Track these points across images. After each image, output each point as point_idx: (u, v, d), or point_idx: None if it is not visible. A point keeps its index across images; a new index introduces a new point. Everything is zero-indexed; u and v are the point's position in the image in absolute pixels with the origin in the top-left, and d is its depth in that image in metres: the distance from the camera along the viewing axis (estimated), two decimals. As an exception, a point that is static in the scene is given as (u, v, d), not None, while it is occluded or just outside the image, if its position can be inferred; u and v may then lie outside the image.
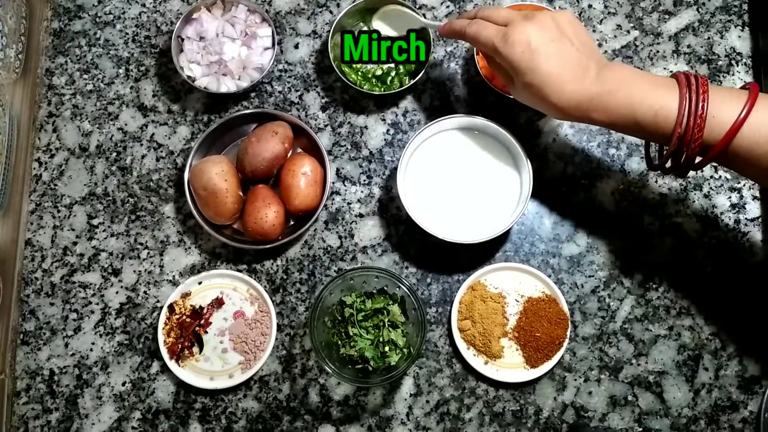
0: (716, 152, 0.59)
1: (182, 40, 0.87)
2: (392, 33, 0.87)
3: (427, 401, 0.82)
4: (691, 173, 0.85)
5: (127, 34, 0.92)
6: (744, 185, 0.86)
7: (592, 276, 0.84)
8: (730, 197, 0.86)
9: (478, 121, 0.81)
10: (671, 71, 0.89)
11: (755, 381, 0.81)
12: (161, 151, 0.88)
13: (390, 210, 0.86)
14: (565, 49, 0.63)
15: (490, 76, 0.85)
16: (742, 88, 0.62)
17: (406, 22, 0.85)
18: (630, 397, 0.81)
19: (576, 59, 0.63)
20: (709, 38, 0.90)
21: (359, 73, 0.88)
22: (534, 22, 0.63)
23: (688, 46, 0.90)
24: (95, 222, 0.87)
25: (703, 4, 0.91)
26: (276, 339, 0.82)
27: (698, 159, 0.61)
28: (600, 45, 0.90)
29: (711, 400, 0.81)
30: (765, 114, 0.57)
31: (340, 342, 0.79)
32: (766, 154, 0.57)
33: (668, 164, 0.65)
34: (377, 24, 0.87)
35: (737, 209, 0.85)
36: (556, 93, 0.62)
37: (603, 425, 0.81)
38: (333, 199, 0.87)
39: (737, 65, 0.89)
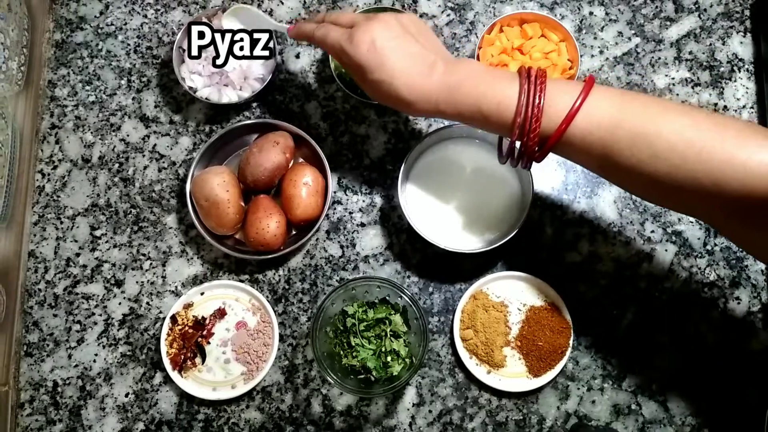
0: (553, 141, 0.60)
1: (184, 50, 0.88)
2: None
3: (430, 411, 0.82)
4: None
5: (128, 45, 0.92)
6: (747, 192, 0.86)
7: (595, 284, 0.84)
8: (733, 204, 0.85)
9: (479, 130, 0.81)
10: (673, 78, 0.89)
11: (759, 388, 0.81)
12: (163, 162, 0.89)
13: (391, 219, 0.86)
14: (409, 45, 0.65)
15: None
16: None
17: (256, 22, 0.85)
18: (633, 406, 0.81)
19: (421, 54, 0.64)
20: (710, 44, 0.90)
21: (360, 83, 0.88)
22: (377, 22, 0.65)
23: (690, 53, 0.90)
24: (98, 233, 0.87)
25: (705, 10, 0.91)
26: (278, 349, 0.82)
27: (534, 149, 0.63)
28: (601, 52, 0.90)
29: (716, 407, 0.81)
30: (597, 103, 0.59)
31: (342, 352, 0.79)
32: (599, 141, 0.59)
33: (514, 156, 0.67)
34: (228, 22, 0.86)
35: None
36: (405, 87, 0.63)
37: (603, 425, 0.80)
38: (334, 209, 0.87)
39: (739, 71, 0.89)
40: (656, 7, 0.91)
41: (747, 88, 0.89)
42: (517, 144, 0.63)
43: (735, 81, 0.89)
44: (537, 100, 0.59)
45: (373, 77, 0.65)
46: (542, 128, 0.60)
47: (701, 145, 0.55)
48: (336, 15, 0.72)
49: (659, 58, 0.90)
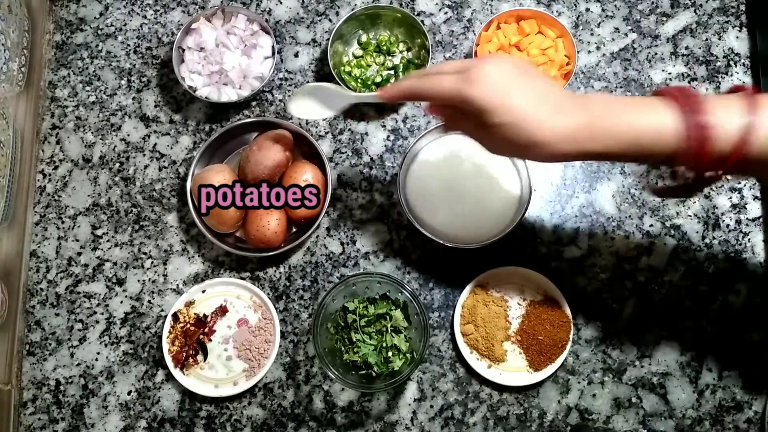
0: (734, 161, 0.55)
1: (183, 50, 0.88)
2: (317, 115, 0.75)
3: (431, 406, 0.82)
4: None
5: (128, 45, 0.93)
6: (744, 185, 0.86)
7: (594, 278, 0.84)
8: (730, 197, 0.86)
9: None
10: (669, 73, 0.89)
11: (759, 381, 0.81)
12: (164, 161, 0.89)
13: (391, 216, 0.87)
14: (533, 82, 0.58)
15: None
16: (730, 91, 0.60)
17: (332, 100, 0.73)
18: (634, 399, 0.81)
19: (547, 91, 0.58)
20: (707, 40, 0.91)
21: (359, 81, 0.89)
22: (492, 61, 0.58)
23: (686, 48, 0.90)
24: (99, 232, 0.87)
25: (701, 5, 0.92)
26: (280, 346, 0.83)
27: (708, 174, 0.57)
28: (598, 48, 0.91)
29: (715, 400, 0.81)
30: None
31: (343, 348, 0.79)
32: None
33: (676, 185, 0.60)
34: (297, 106, 0.74)
35: (738, 209, 0.85)
36: (538, 128, 0.56)
37: (604, 426, 0.81)
38: (334, 206, 0.87)
39: (736, 66, 0.90)
40: (652, 2, 0.92)
41: (743, 82, 0.89)
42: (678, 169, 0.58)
43: (731, 75, 0.90)
44: (701, 121, 0.54)
45: (499, 121, 0.57)
46: (715, 149, 0.54)
47: None
48: (437, 66, 0.63)
49: (656, 54, 0.90)
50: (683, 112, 0.55)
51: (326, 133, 0.89)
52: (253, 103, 0.90)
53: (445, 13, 0.92)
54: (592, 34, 0.91)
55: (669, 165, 0.58)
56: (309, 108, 0.74)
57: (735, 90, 0.58)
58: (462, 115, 0.61)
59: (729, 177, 0.58)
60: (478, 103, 0.57)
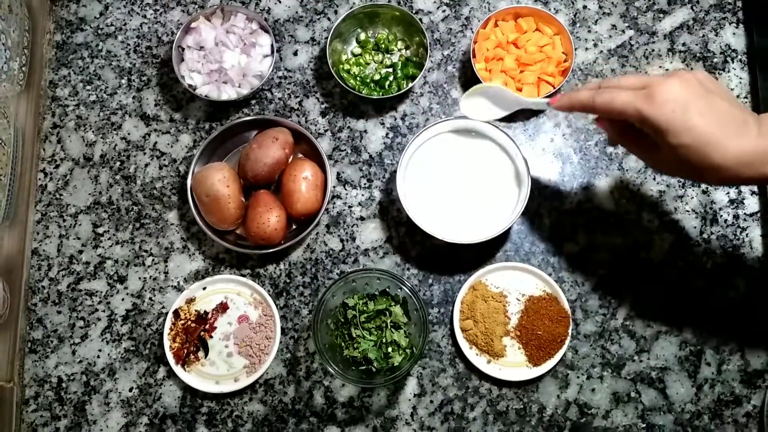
0: None
1: (183, 49, 0.89)
2: (488, 115, 0.76)
3: (431, 401, 0.82)
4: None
5: (128, 45, 0.93)
6: (742, 181, 0.87)
7: (593, 274, 0.85)
8: (728, 193, 0.86)
9: (476, 122, 0.82)
10: (667, 69, 0.90)
11: (758, 375, 0.82)
12: (164, 160, 0.90)
13: (390, 212, 0.87)
14: (717, 104, 0.57)
15: (487, 78, 0.86)
16: None
17: (504, 102, 0.74)
18: (633, 394, 0.82)
19: (731, 113, 0.57)
20: (704, 36, 0.91)
21: (358, 78, 0.89)
22: (676, 79, 0.58)
23: (683, 44, 0.91)
24: (100, 230, 0.88)
25: (698, 2, 0.92)
26: (280, 342, 0.83)
27: None
28: (595, 45, 0.91)
29: (714, 395, 0.81)
30: None
31: (343, 344, 0.79)
32: None
33: None
34: (468, 105, 0.75)
35: (736, 205, 0.86)
36: (720, 151, 0.55)
37: (603, 426, 0.81)
38: (334, 203, 0.88)
39: (732, 62, 0.90)
40: (649, -1, 0.92)
41: (740, 78, 0.90)
42: None
43: (729, 71, 0.90)
44: None
45: (679, 141, 0.56)
46: None
47: None
48: (616, 80, 0.63)
49: (653, 50, 0.91)
50: None
51: (325, 131, 0.90)
52: (253, 102, 0.91)
53: (443, 11, 0.93)
54: (589, 31, 0.92)
55: None
56: (480, 107, 0.75)
57: None
58: (634, 132, 0.60)
59: None
60: (657, 122, 0.56)
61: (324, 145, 0.89)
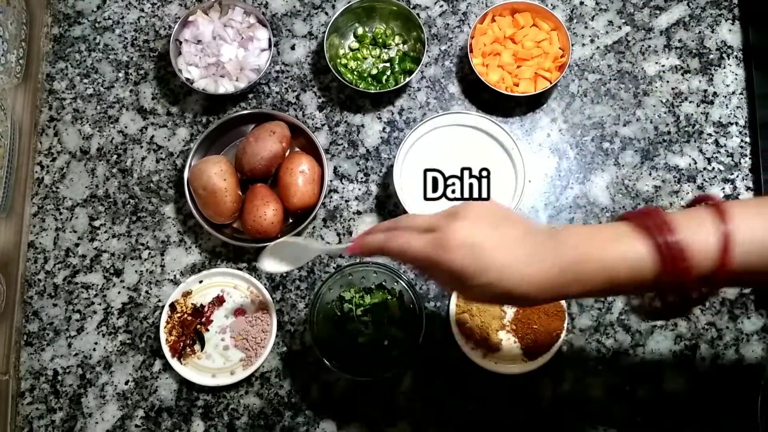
0: (723, 277, 0.51)
1: (180, 43, 0.89)
2: (287, 268, 0.74)
3: (427, 395, 0.82)
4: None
5: (126, 38, 0.93)
6: (737, 176, 0.87)
7: (589, 268, 0.85)
8: (723, 188, 0.87)
9: (473, 117, 0.82)
10: (663, 65, 0.90)
11: (753, 370, 0.82)
12: (161, 153, 0.90)
13: (387, 207, 0.87)
14: (509, 233, 0.54)
15: (484, 73, 0.87)
16: (692, 203, 0.57)
17: (302, 254, 0.72)
18: (628, 388, 0.82)
19: (524, 240, 0.54)
20: (700, 32, 0.91)
21: (355, 73, 0.89)
22: (463, 219, 0.54)
23: (680, 41, 0.91)
24: (97, 223, 0.88)
25: (694, -1, 0.93)
26: (276, 336, 0.83)
27: (697, 293, 0.54)
28: (592, 41, 0.91)
29: (708, 389, 0.82)
30: (745, 221, 0.51)
31: (340, 337, 0.79)
32: None
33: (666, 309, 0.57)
34: (268, 264, 0.73)
35: (731, 200, 0.86)
36: (521, 283, 0.53)
37: (599, 420, 0.81)
38: (331, 197, 0.88)
39: (728, 58, 0.91)
40: (646, -4, 0.93)
41: (736, 74, 0.90)
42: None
43: (724, 68, 0.90)
44: (673, 241, 0.51)
45: (480, 282, 0.53)
46: (695, 268, 0.51)
47: None
48: (406, 220, 0.59)
49: (649, 46, 0.91)
50: (651, 235, 0.51)
51: (323, 125, 0.90)
52: (250, 96, 0.91)
53: (441, 6, 0.93)
54: (586, 27, 0.92)
55: (657, 292, 0.55)
56: (279, 264, 0.73)
57: (698, 201, 0.56)
58: (435, 271, 0.56)
59: (720, 291, 0.55)
60: (452, 269, 0.54)
61: (321, 139, 0.89)
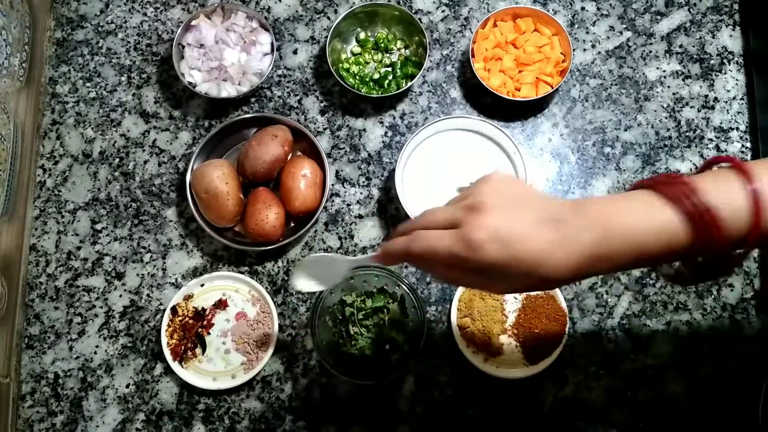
0: (756, 236, 0.50)
1: (183, 47, 0.89)
2: (320, 287, 0.73)
3: (428, 399, 0.82)
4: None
5: (128, 42, 0.94)
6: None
7: (590, 273, 0.85)
8: (724, 193, 0.87)
9: (475, 122, 0.83)
10: (664, 71, 0.91)
11: (755, 373, 0.82)
12: (163, 157, 0.90)
13: (389, 211, 0.87)
14: (534, 217, 0.52)
15: (485, 78, 0.87)
16: (706, 165, 0.56)
17: (331, 269, 0.70)
18: (629, 392, 0.82)
19: (547, 222, 0.52)
20: (700, 38, 0.92)
21: (357, 77, 0.90)
22: (485, 210, 0.52)
23: (680, 46, 0.91)
24: (99, 227, 0.88)
25: (695, 4, 0.93)
26: (278, 339, 0.83)
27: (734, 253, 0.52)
28: (593, 46, 0.92)
29: (711, 393, 0.82)
30: None
31: (341, 341, 0.80)
32: None
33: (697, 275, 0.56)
34: (300, 284, 0.72)
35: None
36: (552, 268, 0.52)
37: (600, 424, 0.81)
38: (332, 201, 0.88)
39: (729, 64, 0.91)
40: (647, 1, 0.93)
41: (737, 80, 0.90)
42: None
43: (725, 73, 0.91)
44: (702, 204, 0.49)
45: (510, 272, 0.52)
46: (725, 230, 0.49)
47: None
48: (425, 219, 0.56)
49: (650, 52, 0.91)
50: (680, 201, 0.50)
51: (324, 129, 0.90)
52: (252, 99, 0.91)
53: (443, 11, 0.93)
54: (587, 32, 0.92)
55: (690, 258, 0.53)
56: (311, 282, 0.72)
57: (712, 163, 0.55)
58: (462, 270, 0.54)
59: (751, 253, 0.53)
60: (485, 265, 0.52)
61: (323, 143, 0.89)
